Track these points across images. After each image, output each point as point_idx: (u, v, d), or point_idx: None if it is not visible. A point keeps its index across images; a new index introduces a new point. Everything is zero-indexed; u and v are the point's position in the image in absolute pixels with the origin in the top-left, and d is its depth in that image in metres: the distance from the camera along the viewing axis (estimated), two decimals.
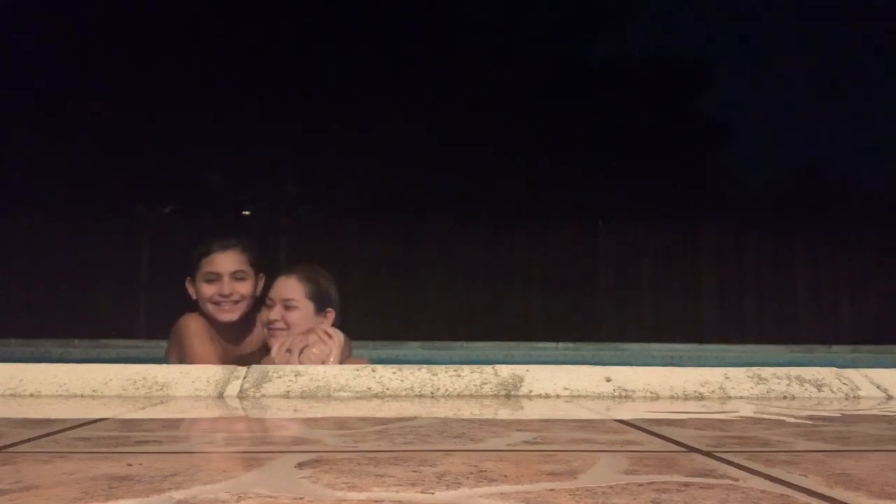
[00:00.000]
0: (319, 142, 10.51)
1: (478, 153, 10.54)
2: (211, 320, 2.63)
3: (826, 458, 0.99)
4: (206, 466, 0.89)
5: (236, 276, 2.64)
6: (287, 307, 2.57)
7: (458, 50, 11.35)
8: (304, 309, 2.59)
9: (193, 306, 2.69)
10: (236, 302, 2.62)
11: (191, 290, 2.68)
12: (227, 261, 2.64)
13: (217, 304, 2.61)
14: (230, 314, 2.61)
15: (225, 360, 2.58)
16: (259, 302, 2.72)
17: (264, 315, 2.60)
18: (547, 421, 1.45)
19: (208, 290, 2.61)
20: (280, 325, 2.56)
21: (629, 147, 11.29)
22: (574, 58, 12.41)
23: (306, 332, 2.51)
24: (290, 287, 2.61)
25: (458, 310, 7.36)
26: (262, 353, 2.64)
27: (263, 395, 1.74)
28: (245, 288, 2.65)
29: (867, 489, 0.80)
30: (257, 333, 2.75)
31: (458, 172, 10.39)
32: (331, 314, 2.64)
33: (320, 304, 2.61)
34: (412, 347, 5.33)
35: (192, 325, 2.63)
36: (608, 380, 1.84)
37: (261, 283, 2.72)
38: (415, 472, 0.86)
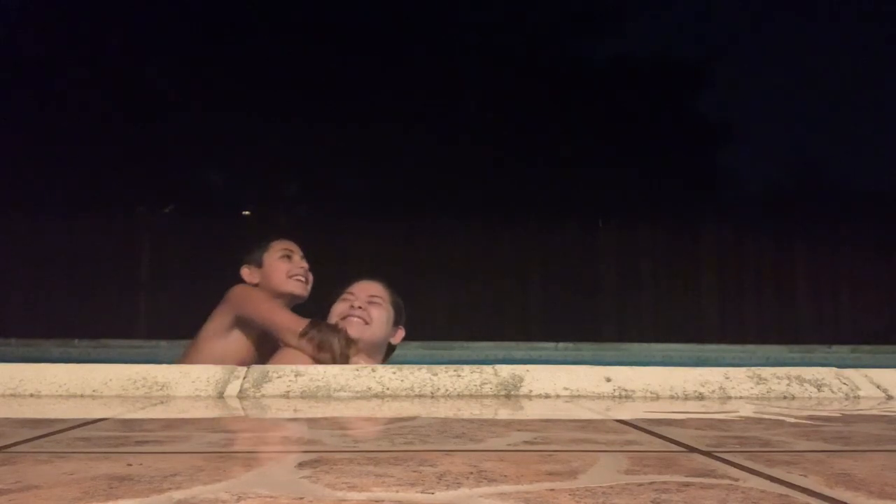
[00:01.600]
0: (319, 142, 10.52)
1: (478, 153, 10.55)
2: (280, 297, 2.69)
3: (826, 458, 0.99)
4: (206, 466, 0.89)
5: (370, 300, 2.70)
6: (372, 302, 2.50)
7: (458, 49, 11.36)
8: (386, 311, 2.53)
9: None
10: (308, 280, 2.73)
11: (252, 274, 2.73)
12: (295, 245, 2.81)
13: (293, 276, 2.69)
14: (303, 289, 2.70)
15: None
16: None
17: (341, 307, 2.51)
18: (547, 421, 1.45)
19: (285, 265, 2.71)
20: (362, 314, 2.46)
21: (629, 147, 11.30)
22: (574, 57, 12.43)
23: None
24: (376, 287, 2.58)
25: (458, 310, 7.37)
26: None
27: (263, 395, 1.74)
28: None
29: (867, 489, 0.80)
30: None
31: (457, 172, 10.40)
32: (401, 332, 2.61)
33: (397, 317, 2.58)
34: (412, 347, 5.32)
35: (256, 289, 2.68)
36: (608, 380, 1.84)
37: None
38: (415, 472, 0.86)
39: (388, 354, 2.64)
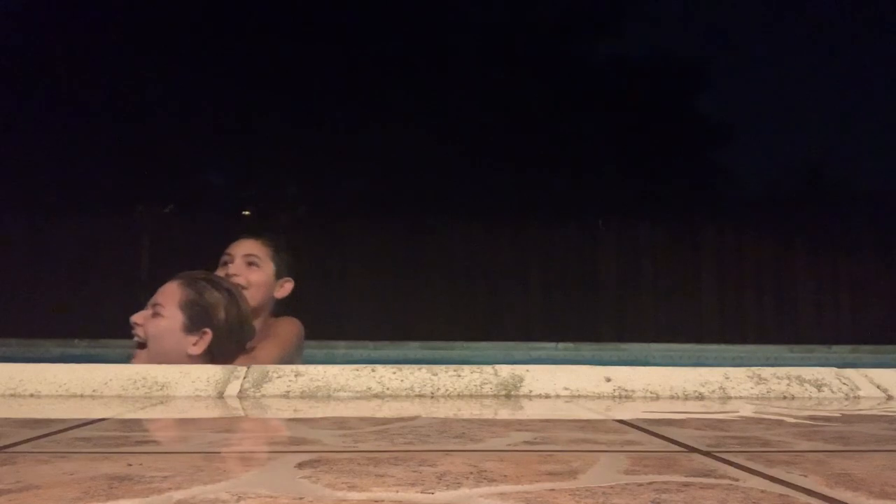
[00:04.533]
0: (319, 142, 10.51)
1: (477, 153, 10.55)
2: None
3: (826, 458, 0.99)
4: (206, 466, 0.89)
5: (248, 261, 2.50)
6: (154, 313, 2.18)
7: (458, 50, 11.36)
8: (171, 320, 2.16)
9: None
10: (244, 289, 2.40)
11: None
12: (242, 245, 2.54)
13: None
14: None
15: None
16: (281, 305, 2.58)
17: (131, 318, 2.23)
18: (547, 421, 1.44)
19: (219, 273, 2.46)
20: (139, 332, 2.17)
21: (629, 147, 11.30)
22: (574, 58, 12.43)
23: None
24: (166, 290, 2.22)
25: (458, 310, 7.36)
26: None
27: (263, 395, 1.74)
28: (256, 275, 2.47)
29: (867, 489, 0.80)
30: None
31: (457, 172, 10.40)
32: (207, 336, 2.19)
33: (195, 321, 2.17)
34: (412, 347, 5.33)
35: None
36: (608, 380, 1.84)
37: (287, 287, 2.57)
38: (415, 472, 0.86)
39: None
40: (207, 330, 2.18)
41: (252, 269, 2.47)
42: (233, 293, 2.28)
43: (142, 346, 2.18)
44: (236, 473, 0.85)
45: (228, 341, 2.23)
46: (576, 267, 7.67)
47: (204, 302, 2.19)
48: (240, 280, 2.39)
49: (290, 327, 2.54)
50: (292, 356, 2.49)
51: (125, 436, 1.18)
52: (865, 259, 7.77)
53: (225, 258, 2.51)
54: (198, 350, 2.17)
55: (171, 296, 2.18)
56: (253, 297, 2.41)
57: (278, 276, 2.54)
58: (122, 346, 5.19)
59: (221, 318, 2.20)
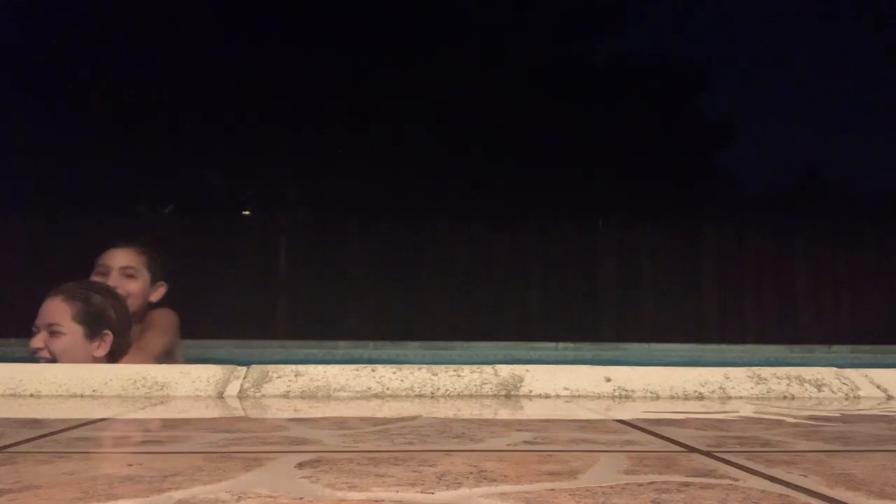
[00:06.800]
0: (319, 142, 10.51)
1: (477, 153, 10.55)
2: None
3: (826, 458, 0.99)
4: (206, 466, 0.89)
5: (126, 273, 2.58)
6: (52, 332, 2.28)
7: (458, 50, 11.36)
8: (71, 335, 2.27)
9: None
10: (128, 294, 2.53)
11: None
12: (118, 256, 2.61)
13: None
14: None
15: None
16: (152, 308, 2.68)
17: (30, 345, 2.33)
18: (547, 421, 1.44)
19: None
20: (45, 354, 2.26)
21: (629, 147, 11.30)
22: (574, 58, 12.43)
23: None
24: (55, 309, 2.30)
25: (458, 310, 7.36)
26: None
27: (263, 395, 1.74)
28: (133, 286, 2.57)
29: (867, 489, 0.80)
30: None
31: (457, 172, 10.40)
32: (108, 337, 2.33)
33: (93, 328, 2.30)
34: (412, 347, 5.33)
35: None
36: (608, 380, 1.84)
37: (160, 291, 2.66)
38: (415, 472, 0.86)
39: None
40: (108, 332, 2.33)
41: (130, 280, 2.58)
42: (112, 293, 2.43)
43: (49, 361, 2.25)
44: (236, 473, 0.85)
45: (124, 337, 2.39)
46: (576, 267, 7.67)
47: (94, 309, 2.33)
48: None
49: (168, 317, 2.66)
50: (175, 344, 2.62)
51: (125, 436, 1.18)
52: (865, 259, 7.77)
53: (100, 269, 2.58)
54: (102, 352, 2.31)
55: (62, 313, 2.29)
56: (132, 305, 2.53)
57: (153, 281, 2.65)
58: None
59: (113, 317, 2.36)
